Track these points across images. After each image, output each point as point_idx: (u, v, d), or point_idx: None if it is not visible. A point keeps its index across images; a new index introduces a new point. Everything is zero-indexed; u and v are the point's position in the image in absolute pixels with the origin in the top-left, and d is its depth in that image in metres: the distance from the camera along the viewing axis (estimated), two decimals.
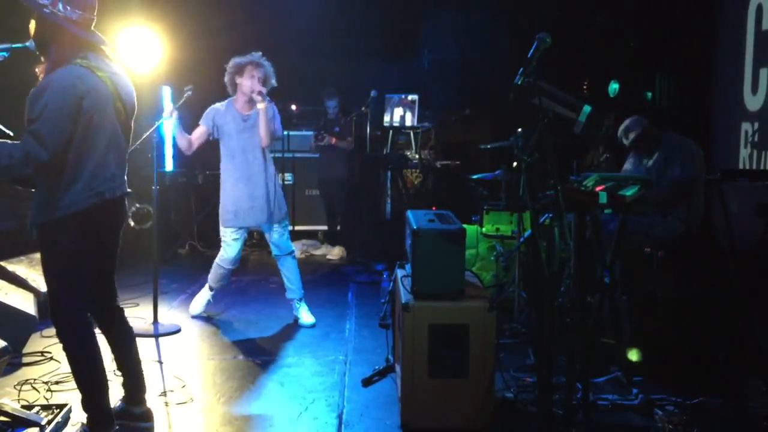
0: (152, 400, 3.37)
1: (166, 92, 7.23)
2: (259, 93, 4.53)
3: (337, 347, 4.36)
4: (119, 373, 3.12)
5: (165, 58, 5.21)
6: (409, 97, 7.30)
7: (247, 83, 4.60)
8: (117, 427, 2.93)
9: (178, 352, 4.23)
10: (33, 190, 2.83)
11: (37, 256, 2.89)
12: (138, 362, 3.14)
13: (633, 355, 3.79)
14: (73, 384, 2.95)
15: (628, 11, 6.57)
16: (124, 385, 3.10)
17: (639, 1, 6.44)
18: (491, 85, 7.60)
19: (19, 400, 3.33)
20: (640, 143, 4.40)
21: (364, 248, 7.27)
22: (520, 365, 3.89)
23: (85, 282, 2.88)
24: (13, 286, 4.30)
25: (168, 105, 6.79)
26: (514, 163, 3.22)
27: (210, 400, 3.49)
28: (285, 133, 7.55)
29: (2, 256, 4.67)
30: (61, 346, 2.87)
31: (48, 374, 3.70)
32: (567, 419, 3.02)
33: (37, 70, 2.81)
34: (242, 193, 4.65)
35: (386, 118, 7.30)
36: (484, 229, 5.07)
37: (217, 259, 4.84)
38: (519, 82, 2.78)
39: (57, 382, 3.57)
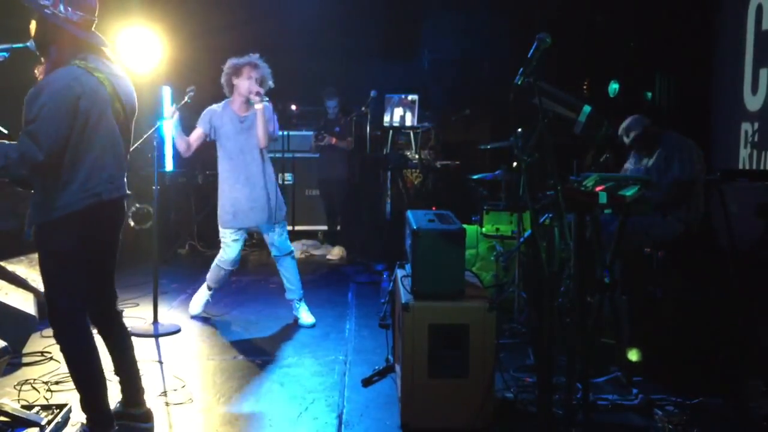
0: (152, 400, 3.37)
1: (166, 92, 7.24)
2: (257, 94, 4.53)
3: (337, 347, 4.36)
4: (117, 377, 3.11)
5: (165, 58, 5.22)
6: (409, 97, 7.29)
7: (245, 84, 4.60)
8: (116, 428, 2.93)
9: (178, 352, 4.23)
10: (33, 191, 2.83)
11: (37, 256, 2.89)
12: (135, 364, 3.13)
13: (633, 355, 3.79)
14: (72, 384, 2.94)
15: (628, 11, 6.57)
16: (123, 387, 3.10)
17: (639, 1, 6.44)
18: (491, 85, 7.62)
19: (19, 400, 3.33)
20: (640, 142, 4.41)
21: (364, 248, 7.27)
22: (520, 365, 3.89)
23: (83, 283, 2.88)
24: (13, 286, 4.31)
25: (168, 105, 6.81)
26: (514, 163, 3.22)
27: (210, 400, 3.49)
28: (285, 133, 7.59)
29: (2, 256, 4.68)
30: (59, 347, 2.87)
31: (48, 374, 3.70)
32: (567, 419, 3.01)
33: (36, 71, 2.82)
34: (240, 194, 4.65)
35: (386, 118, 7.30)
36: (484, 229, 5.07)
37: (216, 260, 4.83)
38: (519, 82, 2.78)
39: (57, 382, 3.57)
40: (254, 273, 6.60)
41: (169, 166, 7.40)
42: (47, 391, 3.48)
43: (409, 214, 3.60)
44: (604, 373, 3.68)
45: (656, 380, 3.61)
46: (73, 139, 2.72)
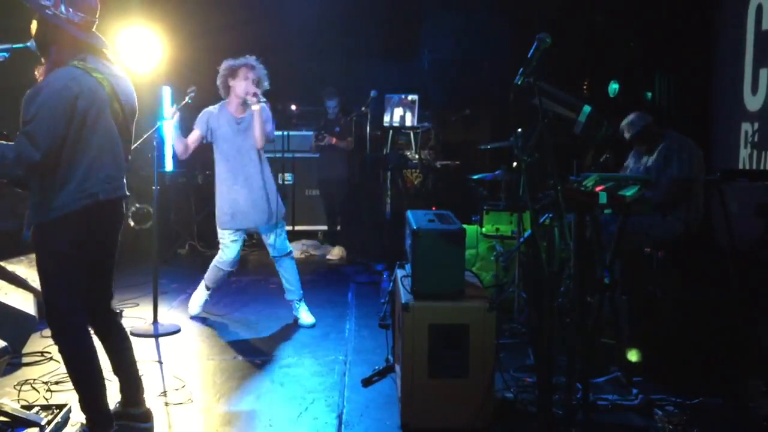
0: (152, 400, 3.37)
1: (166, 92, 7.24)
2: (254, 95, 4.53)
3: (336, 347, 4.36)
4: (116, 377, 3.11)
5: (165, 58, 5.22)
6: (409, 97, 7.29)
7: (241, 85, 4.59)
8: (116, 428, 2.93)
9: (178, 352, 4.23)
10: (31, 192, 2.83)
11: (35, 256, 2.89)
12: (134, 364, 3.13)
13: (633, 355, 3.79)
14: (72, 384, 2.94)
15: (628, 11, 6.57)
16: (122, 387, 3.10)
17: (639, 1, 6.44)
18: (491, 85, 7.62)
19: (18, 400, 3.33)
20: (640, 139, 4.41)
21: (364, 248, 7.27)
22: (520, 365, 3.89)
23: (81, 284, 2.87)
24: (13, 286, 4.31)
25: (168, 105, 6.81)
26: (514, 163, 3.22)
27: (210, 400, 3.49)
28: (285, 133, 7.59)
29: (2, 256, 4.68)
30: (57, 347, 2.87)
31: (48, 374, 3.70)
32: (567, 419, 3.01)
33: (36, 72, 2.82)
34: (239, 195, 4.64)
35: (386, 118, 7.30)
36: (484, 229, 5.07)
37: (215, 261, 4.82)
38: (519, 82, 2.78)
39: (57, 382, 3.57)
40: (254, 273, 6.60)
41: (169, 166, 7.40)
42: (47, 391, 3.48)
43: (409, 214, 3.60)
44: (604, 373, 3.68)
45: (656, 380, 3.61)
46: (71, 139, 2.72)
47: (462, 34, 8.24)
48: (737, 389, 3.45)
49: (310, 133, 7.53)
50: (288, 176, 7.91)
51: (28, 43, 2.80)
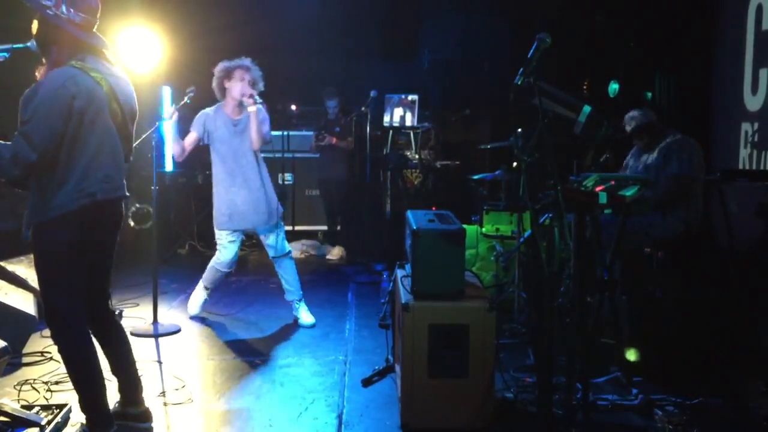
0: (152, 400, 3.37)
1: (166, 92, 7.24)
2: (250, 96, 4.53)
3: (336, 347, 4.36)
4: (115, 377, 3.11)
5: (165, 58, 5.21)
6: (409, 97, 7.29)
7: (237, 87, 4.59)
8: (116, 428, 2.93)
9: (178, 352, 4.23)
10: (30, 192, 2.83)
11: (33, 256, 2.88)
12: (133, 363, 3.13)
13: (633, 355, 3.79)
14: (72, 384, 2.94)
15: (628, 11, 6.57)
16: (121, 387, 3.10)
17: (639, 1, 6.44)
18: (491, 85, 7.62)
19: (19, 400, 3.33)
20: (641, 133, 4.41)
21: (364, 248, 7.27)
22: (520, 365, 3.89)
23: (81, 284, 2.87)
24: (13, 286, 4.30)
25: (168, 106, 6.81)
26: (514, 163, 3.22)
27: (210, 400, 3.49)
28: (285, 133, 7.58)
29: (2, 256, 4.67)
30: (56, 348, 2.87)
31: (48, 374, 3.70)
32: (567, 419, 3.02)
33: (37, 73, 2.82)
34: (236, 196, 4.64)
35: (386, 118, 7.30)
36: (484, 229, 5.07)
37: (212, 263, 4.82)
38: (519, 82, 2.78)
39: (57, 382, 3.57)
40: (254, 273, 6.60)
41: (169, 166, 7.40)
42: (47, 391, 3.48)
43: (409, 214, 3.60)
44: (604, 373, 3.68)
45: (656, 380, 3.61)
46: (68, 139, 2.72)
47: (462, 34, 8.24)
48: (737, 389, 3.46)
49: (310, 133, 7.53)
50: (288, 176, 7.90)
51: (29, 44, 2.80)
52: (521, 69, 2.78)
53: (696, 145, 4.30)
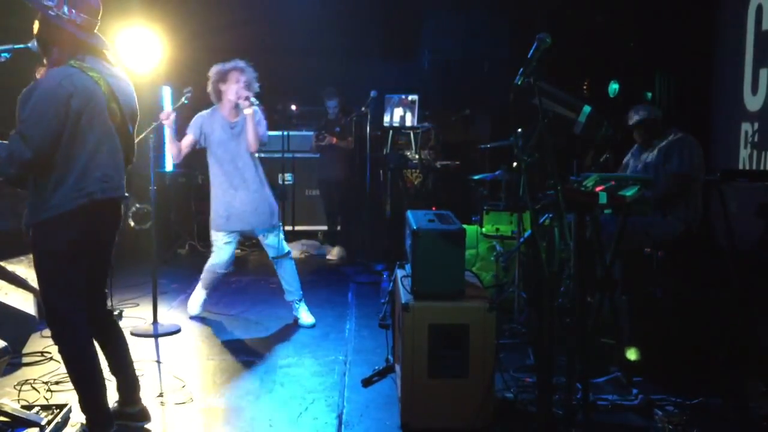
0: (152, 400, 3.37)
1: (166, 92, 7.24)
2: (246, 98, 4.53)
3: (336, 347, 4.36)
4: (113, 377, 3.11)
5: (165, 58, 5.21)
6: (409, 97, 7.29)
7: (233, 89, 4.59)
8: (116, 428, 2.93)
9: (178, 352, 4.23)
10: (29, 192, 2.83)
11: (32, 256, 2.88)
12: (131, 363, 3.13)
13: (633, 355, 3.79)
14: (72, 384, 2.94)
15: (628, 11, 6.57)
16: (119, 386, 3.10)
17: (639, 1, 6.44)
18: (491, 85, 7.62)
19: (19, 400, 3.33)
20: (642, 127, 4.42)
21: (364, 248, 7.26)
22: (520, 365, 3.89)
23: (80, 283, 2.87)
24: (13, 286, 4.31)
25: (168, 107, 6.81)
26: (514, 163, 3.22)
27: (210, 400, 3.49)
28: (285, 133, 7.58)
29: (2, 256, 4.67)
30: (57, 348, 2.87)
31: (48, 374, 3.70)
32: (567, 419, 3.01)
33: (37, 73, 2.82)
34: (233, 198, 4.64)
35: (386, 118, 7.30)
36: (484, 229, 5.07)
37: (208, 265, 4.82)
38: (519, 82, 2.78)
39: (57, 382, 3.57)
40: (254, 273, 6.60)
41: (169, 166, 7.40)
42: (47, 391, 3.48)
43: (409, 214, 3.60)
44: (604, 373, 3.68)
45: (656, 380, 3.61)
46: (66, 138, 2.72)
47: (462, 34, 8.25)
48: (737, 389, 3.45)
49: (310, 133, 7.52)
50: (288, 176, 7.90)
51: (29, 44, 2.80)
52: (521, 69, 2.78)
53: (697, 143, 4.31)
